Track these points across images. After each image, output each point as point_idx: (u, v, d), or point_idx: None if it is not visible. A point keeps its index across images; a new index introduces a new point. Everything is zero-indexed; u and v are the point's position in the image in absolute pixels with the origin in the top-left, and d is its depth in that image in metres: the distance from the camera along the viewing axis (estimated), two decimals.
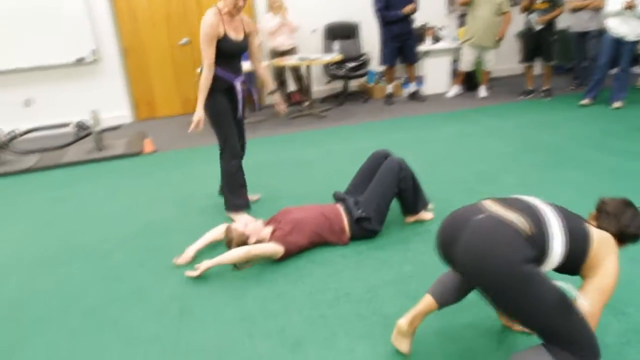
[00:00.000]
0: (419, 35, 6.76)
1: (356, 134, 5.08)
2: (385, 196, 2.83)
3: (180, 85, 6.69)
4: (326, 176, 3.93)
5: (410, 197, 2.92)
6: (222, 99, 3.12)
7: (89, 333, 2.22)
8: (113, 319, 2.31)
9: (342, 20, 6.92)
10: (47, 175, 4.61)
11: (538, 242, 1.51)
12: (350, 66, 6.63)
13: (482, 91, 6.57)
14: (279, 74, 6.73)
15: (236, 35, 3.04)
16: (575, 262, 1.58)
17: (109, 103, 6.39)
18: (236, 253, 2.56)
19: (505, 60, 7.54)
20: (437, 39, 7.01)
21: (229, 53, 3.03)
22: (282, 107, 3.48)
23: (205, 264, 2.55)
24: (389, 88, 6.58)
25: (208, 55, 2.95)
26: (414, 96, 6.69)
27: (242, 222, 2.77)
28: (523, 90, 6.46)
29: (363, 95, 7.04)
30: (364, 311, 2.21)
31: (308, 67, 6.23)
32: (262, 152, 4.67)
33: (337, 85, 7.12)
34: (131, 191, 4.01)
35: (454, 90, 6.80)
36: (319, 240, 2.79)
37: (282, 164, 4.38)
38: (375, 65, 6.82)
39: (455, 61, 6.88)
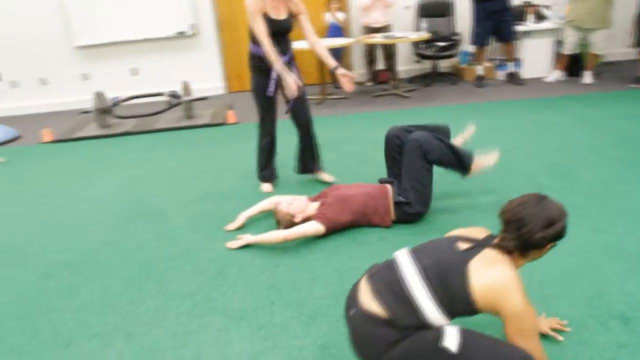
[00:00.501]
0: (519, 13, 6.28)
1: (435, 116, 4.92)
2: (419, 178, 2.75)
3: None
4: None
5: (453, 161, 2.78)
6: (261, 79, 3.19)
7: (137, 282, 2.48)
8: (159, 273, 2.55)
9: None
10: (140, 139, 5.08)
11: (406, 319, 1.48)
12: (440, 45, 6.37)
13: (587, 77, 5.97)
14: (369, 52, 6.67)
15: (277, 15, 3.05)
16: (473, 313, 1.49)
17: (204, 74, 6.83)
18: (274, 236, 2.66)
19: (618, 43, 6.75)
20: (540, 18, 6.45)
21: (270, 32, 3.03)
22: (348, 85, 3.28)
23: (246, 239, 2.71)
24: (479, 70, 6.24)
25: (260, 30, 2.99)
26: (512, 78, 6.28)
27: (287, 201, 2.85)
28: (634, 78, 5.76)
29: (452, 76, 6.75)
30: None
31: (393, 45, 6.11)
32: (338, 129, 4.74)
33: (428, 65, 6.89)
34: (205, 158, 4.30)
35: (555, 75, 6.25)
36: (363, 220, 2.80)
37: (353, 141, 4.39)
38: (468, 45, 6.49)
39: (560, 42, 6.30)
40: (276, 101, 3.34)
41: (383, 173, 3.12)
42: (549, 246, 1.52)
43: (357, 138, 4.49)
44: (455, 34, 6.53)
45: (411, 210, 2.76)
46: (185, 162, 4.27)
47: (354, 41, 6.01)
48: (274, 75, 3.14)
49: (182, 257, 2.70)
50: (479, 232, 1.66)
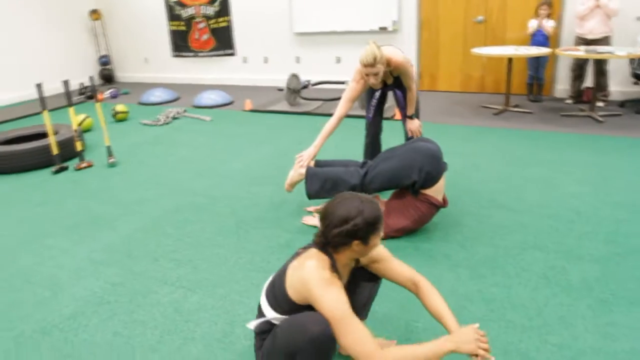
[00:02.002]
0: None
1: (620, 150, 4.21)
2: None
3: (465, 62, 6.75)
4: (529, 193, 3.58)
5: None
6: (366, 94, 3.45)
7: (226, 233, 3.00)
8: (246, 231, 3.02)
9: None
10: (317, 120, 5.67)
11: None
12: None
13: None
14: (578, 66, 5.92)
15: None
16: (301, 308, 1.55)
17: None
18: None
19: None
20: None
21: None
22: (415, 131, 3.31)
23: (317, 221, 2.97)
24: None
25: (350, 88, 3.13)
26: None
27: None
28: None
29: None
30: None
31: (605, 62, 5.32)
32: (509, 144, 4.49)
33: None
34: (354, 144, 4.61)
35: None
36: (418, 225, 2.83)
37: (505, 162, 4.14)
38: None
39: None
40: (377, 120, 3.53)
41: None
42: (355, 242, 1.52)
43: (512, 158, 4.20)
44: None
45: (419, 184, 2.76)
46: (339, 145, 4.64)
47: (546, 52, 5.44)
48: (373, 102, 3.38)
49: (271, 222, 3.11)
50: None
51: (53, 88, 8.05)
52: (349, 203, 1.53)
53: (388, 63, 2.94)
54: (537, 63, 6.04)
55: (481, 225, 2.96)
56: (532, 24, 5.90)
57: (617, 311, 2.14)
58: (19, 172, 4.37)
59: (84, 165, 4.36)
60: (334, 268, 1.55)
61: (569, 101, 6.05)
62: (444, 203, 2.84)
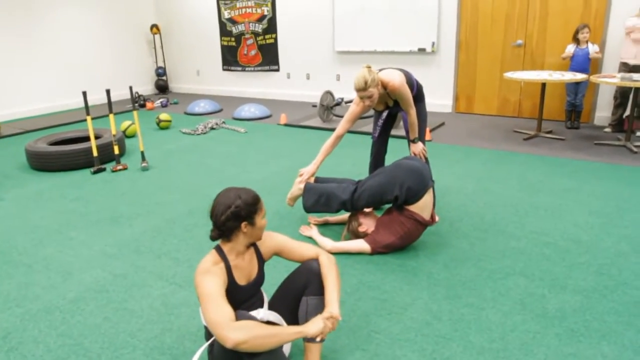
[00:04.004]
0: None
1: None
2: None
3: (502, 86, 6.69)
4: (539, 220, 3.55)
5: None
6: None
7: None
8: None
9: None
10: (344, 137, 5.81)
11: None
12: None
13: None
14: (621, 94, 5.72)
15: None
16: None
17: (436, 91, 7.12)
18: (332, 245, 2.97)
19: None
20: None
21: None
22: (418, 154, 3.35)
23: (315, 234, 3.12)
24: None
25: (350, 110, 3.22)
26: None
27: (367, 213, 3.09)
28: None
29: None
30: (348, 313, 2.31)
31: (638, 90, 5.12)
32: (527, 170, 4.45)
33: None
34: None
35: None
36: (411, 237, 2.89)
37: (509, 190, 4.11)
38: None
39: None
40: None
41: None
42: (243, 224, 1.74)
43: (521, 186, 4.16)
44: None
45: (401, 199, 2.82)
46: (356, 163, 4.77)
47: (581, 78, 5.29)
48: (379, 123, 3.48)
49: (273, 230, 3.27)
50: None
51: (117, 95, 8.81)
52: (227, 193, 1.77)
53: (384, 86, 3.05)
54: (576, 89, 5.89)
55: (472, 247, 2.98)
56: (569, 49, 5.78)
57: (585, 342, 2.12)
58: (65, 170, 4.82)
59: (119, 167, 4.74)
60: (225, 261, 1.79)
61: (608, 129, 5.84)
62: (431, 221, 2.89)
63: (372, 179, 2.89)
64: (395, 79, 3.02)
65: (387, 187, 2.79)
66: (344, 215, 3.34)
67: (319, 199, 3.05)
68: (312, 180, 3.23)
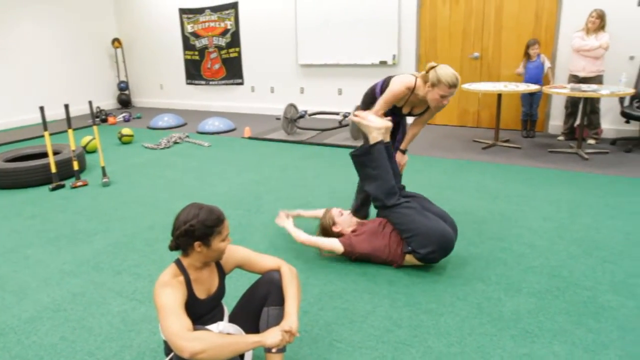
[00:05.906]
0: None
1: (597, 187, 4.25)
2: (402, 226, 2.80)
3: (461, 97, 6.89)
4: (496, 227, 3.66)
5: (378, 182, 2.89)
6: None
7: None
8: None
9: None
10: (307, 149, 5.87)
11: None
12: None
13: None
14: (571, 104, 5.99)
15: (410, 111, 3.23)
16: None
17: None
18: (306, 237, 2.97)
19: None
20: None
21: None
22: (401, 164, 3.34)
23: (289, 225, 3.09)
24: None
25: (379, 107, 3.12)
26: None
27: (340, 211, 3.12)
28: None
29: None
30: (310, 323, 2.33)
31: (598, 100, 5.38)
32: (485, 178, 4.59)
33: (637, 127, 5.80)
34: (334, 177, 4.77)
35: None
36: (378, 258, 2.91)
37: (463, 194, 4.23)
38: None
39: None
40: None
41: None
42: (197, 244, 1.74)
43: (470, 190, 4.29)
44: None
45: (418, 256, 2.75)
46: (320, 174, 4.82)
47: (534, 89, 5.52)
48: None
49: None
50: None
51: (78, 110, 8.64)
52: (188, 209, 1.77)
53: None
54: (530, 100, 6.14)
55: None
56: (521, 68, 6.10)
57: (538, 342, 2.20)
58: (22, 187, 4.68)
59: (79, 184, 4.63)
60: (184, 274, 1.79)
61: (561, 138, 6.10)
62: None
63: (416, 215, 2.77)
64: None
65: (416, 236, 2.72)
66: (318, 211, 3.34)
67: (371, 163, 2.87)
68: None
